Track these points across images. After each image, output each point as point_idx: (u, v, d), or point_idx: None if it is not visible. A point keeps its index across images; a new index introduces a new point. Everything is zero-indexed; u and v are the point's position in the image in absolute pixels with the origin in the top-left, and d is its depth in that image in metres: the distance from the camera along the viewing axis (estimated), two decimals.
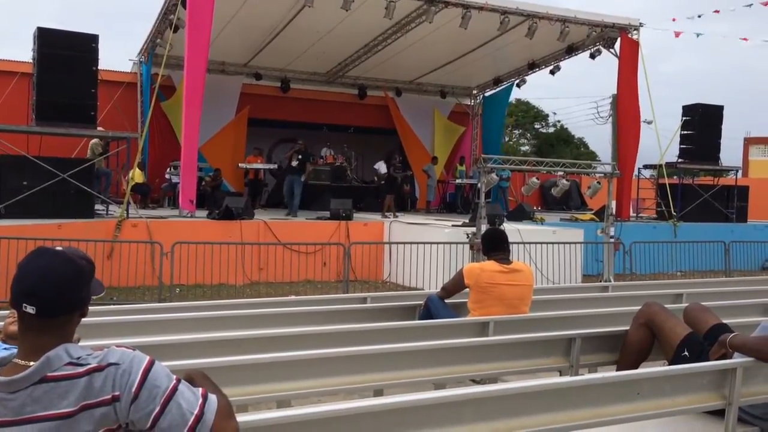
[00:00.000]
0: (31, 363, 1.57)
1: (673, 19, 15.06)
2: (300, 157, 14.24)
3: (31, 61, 11.57)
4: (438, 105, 20.65)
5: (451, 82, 20.19)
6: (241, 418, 1.84)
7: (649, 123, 16.64)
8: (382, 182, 16.30)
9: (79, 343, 1.71)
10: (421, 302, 4.99)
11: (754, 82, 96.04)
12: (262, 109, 18.07)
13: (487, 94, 20.84)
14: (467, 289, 4.83)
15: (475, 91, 21.07)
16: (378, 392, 3.62)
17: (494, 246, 4.91)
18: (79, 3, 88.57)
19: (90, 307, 1.75)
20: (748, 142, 44.90)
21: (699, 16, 14.98)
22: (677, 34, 14.77)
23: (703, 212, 15.53)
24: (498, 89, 20.26)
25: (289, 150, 14.51)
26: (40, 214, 10.08)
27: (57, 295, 1.62)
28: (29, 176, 10.33)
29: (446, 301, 4.95)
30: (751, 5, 14.61)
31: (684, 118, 16.56)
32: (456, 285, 4.91)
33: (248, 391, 3.00)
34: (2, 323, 3.12)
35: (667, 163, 16.18)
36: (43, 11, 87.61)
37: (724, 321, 3.71)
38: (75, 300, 1.67)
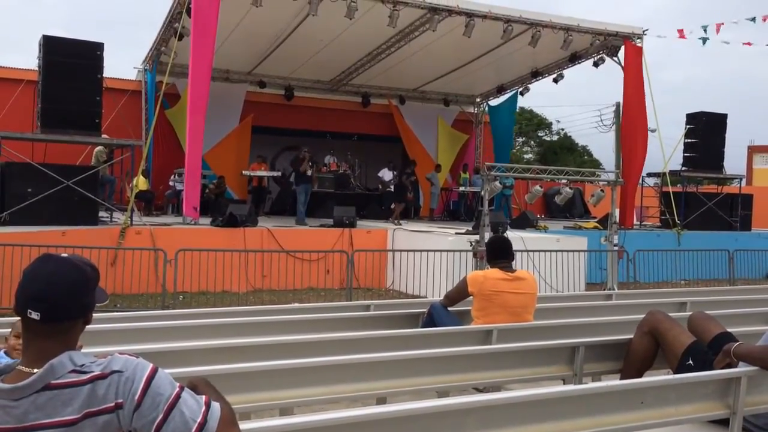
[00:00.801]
0: (35, 370, 1.57)
1: (680, 30, 14.94)
2: (311, 164, 14.23)
3: (36, 68, 11.62)
4: (441, 113, 20.67)
5: (455, 90, 20.23)
6: (244, 425, 1.84)
7: (653, 131, 16.64)
8: (388, 189, 16.32)
9: (83, 350, 1.72)
10: (425, 310, 4.98)
11: (758, 90, 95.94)
12: (266, 117, 18.13)
13: (493, 104, 20.85)
14: (470, 297, 4.83)
15: (478, 99, 21.11)
16: (381, 400, 3.61)
17: (498, 254, 4.91)
18: (85, 11, 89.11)
19: (94, 314, 1.76)
20: (752, 150, 44.77)
21: (704, 29, 14.87)
22: (682, 35, 14.70)
23: (707, 220, 15.49)
24: (503, 98, 20.29)
25: (300, 159, 14.34)
26: (44, 221, 10.10)
27: (62, 300, 1.63)
28: (34, 183, 10.36)
29: (449, 308, 4.94)
30: (753, 19, 14.60)
31: (688, 126, 16.54)
32: (459, 293, 4.91)
33: (251, 399, 2.99)
34: (8, 330, 3.13)
35: (670, 171, 16.16)
36: (48, 19, 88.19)
37: (729, 330, 3.69)
38: (80, 306, 1.67)
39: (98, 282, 1.76)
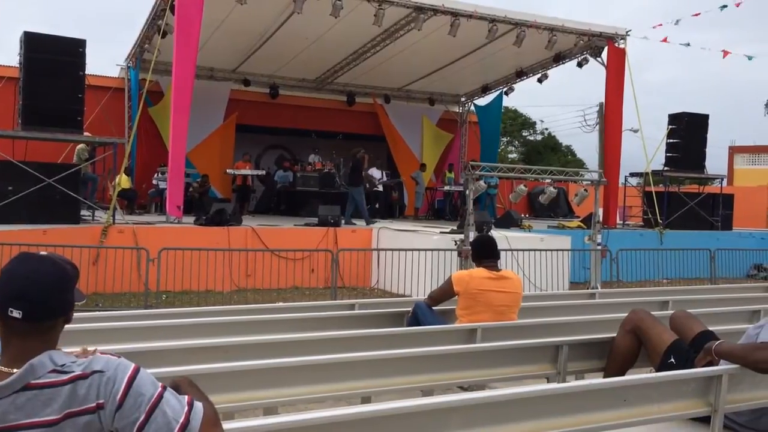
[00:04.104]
0: (15, 370, 1.55)
1: (659, 25, 15.14)
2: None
3: (17, 65, 11.48)
4: (426, 112, 20.71)
5: (440, 90, 20.27)
6: (227, 425, 1.83)
7: (636, 131, 16.77)
8: (375, 188, 16.32)
9: (63, 350, 1.70)
10: (409, 309, 4.98)
11: (739, 91, 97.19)
12: (251, 115, 18.06)
13: (479, 104, 20.90)
14: (455, 296, 4.83)
15: (463, 99, 21.17)
16: (365, 399, 3.61)
17: (485, 253, 4.90)
18: (63, 7, 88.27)
19: (75, 314, 1.74)
20: (733, 150, 45.41)
21: (677, 21, 15.07)
22: (664, 40, 14.89)
23: (689, 220, 15.64)
24: (488, 98, 20.35)
25: (361, 159, 14.17)
26: (25, 220, 9.99)
27: (45, 298, 1.61)
28: (14, 181, 10.24)
29: (434, 307, 4.94)
30: (725, 6, 14.73)
31: (670, 127, 16.69)
32: (444, 293, 4.89)
33: (235, 398, 2.98)
34: None
35: (653, 171, 16.30)
36: (26, 15, 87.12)
37: (710, 328, 3.73)
38: (61, 304, 1.66)
39: (78, 280, 1.74)
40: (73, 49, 11.13)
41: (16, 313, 1.57)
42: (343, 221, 12.89)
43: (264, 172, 17.62)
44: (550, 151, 44.91)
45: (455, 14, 13.12)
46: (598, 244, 10.79)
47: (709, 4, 15.00)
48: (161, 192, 14.86)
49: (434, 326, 4.50)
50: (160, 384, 1.63)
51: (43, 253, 1.73)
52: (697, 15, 15.09)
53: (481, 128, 20.70)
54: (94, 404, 1.55)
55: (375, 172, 16.85)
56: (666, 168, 16.62)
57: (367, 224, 13.27)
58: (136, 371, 1.61)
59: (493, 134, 20.83)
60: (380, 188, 17.07)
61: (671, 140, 16.63)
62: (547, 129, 45.36)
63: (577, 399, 2.84)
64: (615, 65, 15.02)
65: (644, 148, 15.78)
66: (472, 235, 9.08)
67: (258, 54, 16.26)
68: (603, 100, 16.75)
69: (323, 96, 19.65)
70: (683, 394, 3.10)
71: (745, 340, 3.37)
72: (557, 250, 11.32)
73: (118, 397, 1.56)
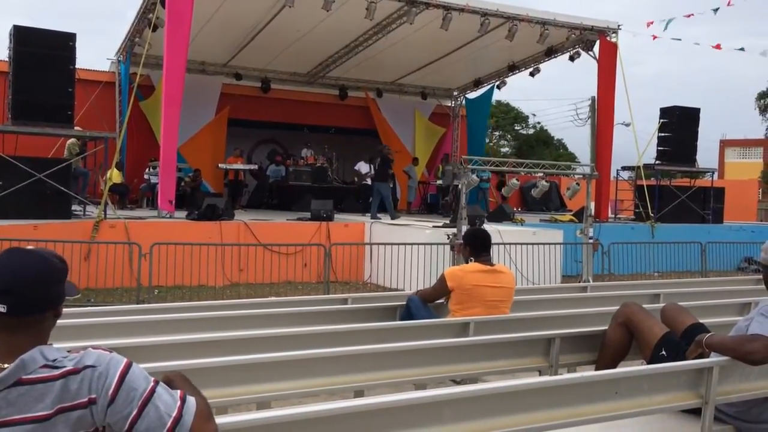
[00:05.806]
0: (5, 365, 1.55)
1: (650, 23, 15.18)
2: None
3: (6, 59, 11.40)
4: (419, 106, 20.70)
5: (432, 84, 20.25)
6: (220, 420, 1.83)
7: (627, 125, 16.82)
8: (364, 182, 16.31)
9: (55, 345, 1.69)
10: (402, 303, 4.98)
11: (729, 85, 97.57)
12: (243, 110, 17.99)
13: (469, 97, 20.91)
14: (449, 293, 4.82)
15: (455, 93, 21.16)
16: (359, 393, 3.62)
17: (480, 247, 4.90)
18: (47, 1, 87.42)
19: (67, 309, 1.73)
20: (724, 144, 45.68)
21: (671, 20, 15.16)
22: (654, 38, 14.98)
23: (680, 213, 15.71)
24: (479, 91, 20.35)
25: (388, 155, 14.34)
26: (15, 215, 9.93)
27: (29, 292, 1.60)
28: (5, 176, 10.18)
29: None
30: (717, 9, 14.82)
31: (661, 120, 16.75)
32: (438, 292, 4.86)
33: (228, 393, 2.97)
34: None
35: (644, 164, 16.35)
36: (20, 8, 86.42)
37: (701, 321, 3.75)
38: (47, 297, 1.64)
39: (67, 275, 1.73)
40: (63, 43, 11.05)
41: (0, 308, 1.56)
42: (370, 216, 13.21)
43: (256, 167, 17.58)
44: (542, 145, 45.03)
45: (447, 8, 13.10)
46: (590, 238, 10.83)
47: (702, 5, 15.07)
48: (153, 187, 14.80)
49: (427, 320, 4.51)
50: (152, 379, 1.63)
51: (30, 247, 1.72)
52: (689, 16, 15.16)
53: (469, 120, 20.71)
54: (86, 399, 1.55)
55: (363, 166, 16.83)
56: (657, 161, 16.67)
57: (392, 218, 13.32)
58: (128, 366, 1.61)
59: (481, 127, 20.83)
60: (370, 182, 17.05)
61: (663, 134, 16.68)
62: (539, 123, 45.48)
63: (569, 391, 2.85)
64: (607, 59, 15.04)
65: (636, 142, 15.85)
66: (464, 229, 9.09)
67: (249, 48, 16.19)
68: (595, 94, 16.80)
69: (315, 90, 19.59)
70: (674, 386, 3.11)
71: (736, 332, 3.39)
72: (549, 243, 11.35)
73: (111, 391, 1.55)
